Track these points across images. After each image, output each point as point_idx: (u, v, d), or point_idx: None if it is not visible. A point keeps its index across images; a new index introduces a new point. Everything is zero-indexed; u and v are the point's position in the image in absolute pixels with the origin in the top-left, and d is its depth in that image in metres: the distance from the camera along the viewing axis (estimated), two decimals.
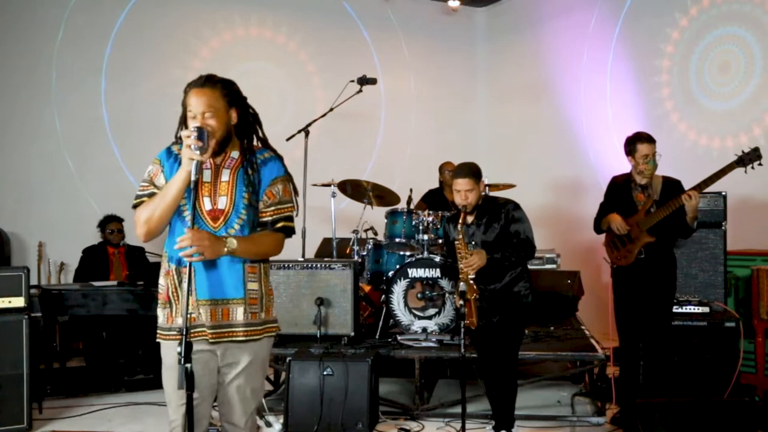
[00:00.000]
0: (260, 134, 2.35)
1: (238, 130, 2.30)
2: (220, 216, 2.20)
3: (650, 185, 3.89)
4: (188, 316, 2.05)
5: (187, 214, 2.14)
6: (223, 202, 2.21)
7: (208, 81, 2.22)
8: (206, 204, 2.21)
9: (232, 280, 2.20)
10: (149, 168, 2.28)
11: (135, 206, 2.24)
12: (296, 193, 2.36)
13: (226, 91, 2.24)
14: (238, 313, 2.21)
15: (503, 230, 3.57)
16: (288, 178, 2.33)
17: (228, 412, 2.33)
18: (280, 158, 2.34)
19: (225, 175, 2.24)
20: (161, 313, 2.27)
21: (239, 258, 2.20)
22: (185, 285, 2.10)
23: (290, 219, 2.31)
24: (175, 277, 2.22)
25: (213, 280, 2.18)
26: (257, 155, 2.29)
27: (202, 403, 2.24)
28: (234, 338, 2.22)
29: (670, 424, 3.35)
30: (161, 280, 2.28)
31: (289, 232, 2.32)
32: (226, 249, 2.11)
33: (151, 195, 2.22)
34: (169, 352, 2.23)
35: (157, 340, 2.28)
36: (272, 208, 2.26)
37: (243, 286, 2.22)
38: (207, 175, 2.23)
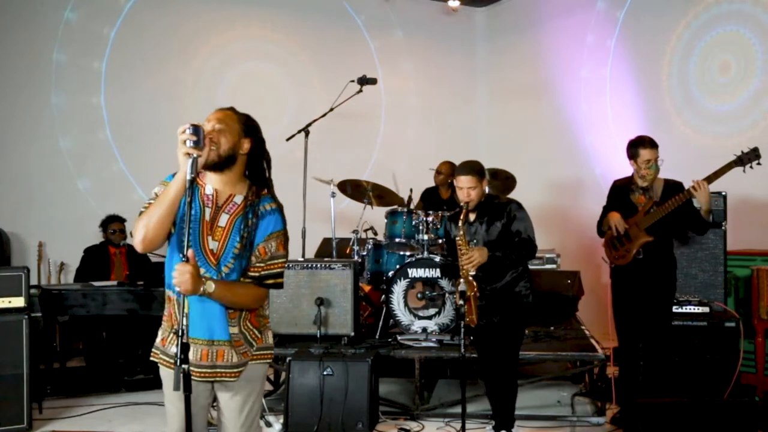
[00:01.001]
0: (267, 177, 2.30)
1: (249, 167, 2.26)
2: (214, 257, 2.18)
3: (651, 188, 3.89)
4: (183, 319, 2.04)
5: (189, 241, 2.11)
6: (215, 246, 2.18)
7: (231, 108, 2.25)
8: (209, 242, 2.18)
9: (217, 324, 2.18)
10: (155, 189, 2.22)
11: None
12: (286, 244, 2.30)
13: (245, 120, 2.23)
14: (233, 356, 2.21)
15: (505, 229, 3.58)
16: (284, 232, 2.28)
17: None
18: (280, 211, 2.28)
19: (222, 220, 2.20)
20: (159, 333, 2.28)
21: (219, 305, 2.17)
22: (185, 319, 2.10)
23: (280, 275, 2.27)
24: (175, 306, 2.20)
25: (205, 319, 2.17)
26: (262, 203, 2.24)
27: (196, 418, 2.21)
28: (224, 379, 2.23)
29: (670, 424, 3.35)
30: (166, 304, 2.28)
31: (278, 287, 2.30)
32: (201, 290, 2.06)
33: None
34: (165, 374, 2.25)
35: (151, 358, 2.29)
36: (262, 264, 2.22)
37: (227, 328, 2.20)
38: (206, 214, 2.19)
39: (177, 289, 2.04)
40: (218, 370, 2.21)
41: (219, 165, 2.17)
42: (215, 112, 2.22)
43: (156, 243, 2.14)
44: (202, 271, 2.12)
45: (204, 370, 2.19)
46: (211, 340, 2.19)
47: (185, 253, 2.03)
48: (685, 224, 3.88)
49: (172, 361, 2.16)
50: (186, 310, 2.07)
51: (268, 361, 2.37)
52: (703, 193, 3.68)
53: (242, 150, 2.21)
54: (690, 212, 3.78)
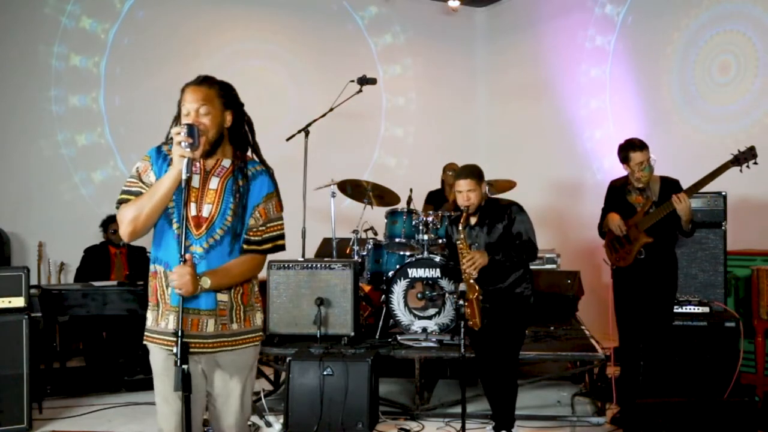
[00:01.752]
0: (252, 142, 2.32)
1: (232, 136, 2.27)
2: (204, 223, 2.16)
3: (648, 187, 3.89)
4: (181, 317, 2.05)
5: (174, 220, 2.14)
6: (207, 210, 2.17)
7: (205, 80, 2.22)
8: (192, 210, 2.16)
9: (204, 292, 2.14)
10: (138, 164, 2.23)
11: (120, 202, 2.19)
12: (281, 205, 2.32)
13: (223, 92, 2.22)
14: (209, 325, 2.18)
15: (506, 231, 3.58)
16: (278, 193, 2.30)
17: (215, 423, 2.34)
18: (270, 172, 2.30)
19: (213, 183, 2.20)
20: (150, 315, 2.25)
21: (208, 267, 2.15)
22: (169, 289, 2.13)
23: (281, 237, 2.29)
24: (163, 279, 2.19)
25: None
26: (249, 167, 2.25)
27: (193, 408, 2.20)
28: (203, 350, 2.18)
29: (670, 424, 3.35)
30: (150, 282, 2.25)
31: (280, 249, 2.30)
32: (200, 287, 2.08)
33: (138, 193, 2.17)
34: (157, 356, 2.23)
35: (144, 341, 2.26)
36: (263, 227, 2.23)
37: (214, 297, 2.18)
38: (195, 181, 2.18)
39: (177, 292, 2.05)
40: (193, 340, 2.14)
41: (211, 150, 2.19)
42: (191, 90, 2.18)
43: (142, 234, 2.17)
44: (189, 245, 2.12)
45: (194, 340, 2.15)
46: (186, 309, 2.13)
47: (182, 254, 2.03)
48: (673, 228, 3.87)
49: (165, 337, 2.16)
50: (163, 298, 2.13)
51: (257, 344, 2.32)
52: (682, 206, 3.69)
53: (226, 124, 2.23)
54: (674, 220, 3.78)
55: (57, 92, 6.34)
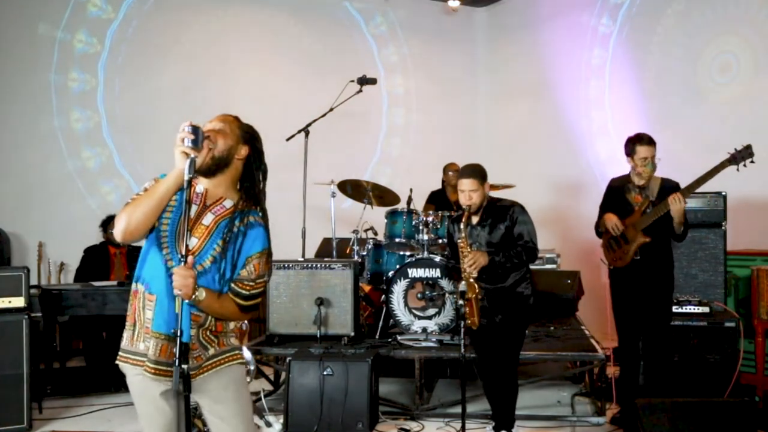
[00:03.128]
0: (260, 189, 2.27)
1: (243, 177, 2.24)
2: (192, 255, 2.12)
3: (648, 186, 3.89)
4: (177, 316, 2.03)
5: (166, 243, 2.11)
6: (193, 243, 2.14)
7: (236, 116, 2.24)
8: (190, 239, 2.11)
9: (183, 322, 2.04)
10: (146, 184, 2.22)
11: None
12: (270, 261, 2.29)
13: (246, 128, 2.23)
14: (190, 360, 2.10)
15: (508, 232, 3.57)
16: (268, 252, 2.24)
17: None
18: (266, 227, 2.25)
19: (207, 219, 2.17)
20: (125, 335, 2.20)
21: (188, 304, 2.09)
22: (147, 312, 2.11)
23: (260, 295, 2.25)
24: (142, 300, 2.16)
25: (170, 315, 2.08)
26: (249, 215, 2.21)
27: None
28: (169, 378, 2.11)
29: (670, 424, 3.35)
30: (130, 301, 2.22)
31: (255, 309, 2.27)
32: (194, 296, 2.04)
33: None
34: (133, 378, 2.18)
35: (117, 362, 2.21)
36: (253, 282, 2.19)
37: (188, 331, 2.08)
38: (192, 210, 2.13)
39: (176, 292, 2.00)
40: (169, 368, 2.08)
41: (212, 169, 2.15)
42: (218, 115, 2.21)
43: (136, 235, 2.12)
44: (172, 265, 2.09)
45: (161, 367, 2.10)
46: (167, 336, 2.09)
47: (183, 252, 2.02)
48: (663, 230, 3.86)
49: (141, 359, 2.12)
50: (138, 320, 2.10)
51: (236, 362, 2.26)
52: (677, 207, 3.68)
53: (239, 155, 2.19)
54: (670, 220, 3.78)
55: (57, 92, 6.34)
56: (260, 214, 2.24)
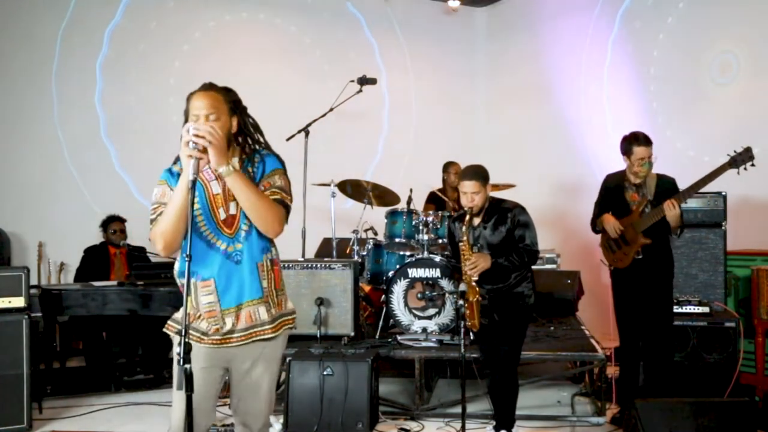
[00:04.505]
0: (262, 140, 2.34)
1: (237, 140, 2.29)
2: (233, 221, 2.22)
3: (644, 184, 3.88)
4: (187, 316, 2.04)
5: (204, 227, 2.21)
6: (233, 207, 2.23)
7: (211, 87, 2.25)
8: (221, 214, 2.23)
9: (248, 283, 2.22)
10: (155, 191, 2.27)
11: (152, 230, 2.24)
12: (289, 182, 2.34)
13: (229, 98, 2.25)
14: (261, 313, 2.26)
15: (509, 234, 3.57)
16: (285, 171, 2.31)
17: (242, 410, 2.35)
18: (278, 156, 2.34)
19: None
20: (182, 311, 2.24)
21: (251, 260, 2.22)
22: (204, 298, 2.21)
23: (287, 206, 2.27)
24: (195, 291, 2.24)
25: (234, 287, 2.22)
26: (256, 155, 2.29)
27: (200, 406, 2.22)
28: (262, 337, 2.26)
29: (670, 424, 3.35)
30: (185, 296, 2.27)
31: (286, 209, 2.28)
32: (229, 164, 2.10)
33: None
34: (197, 351, 2.21)
35: (167, 330, 2.30)
36: (268, 191, 2.23)
37: (259, 285, 2.25)
38: (216, 188, 2.24)
39: (195, 140, 2.03)
40: (255, 329, 2.24)
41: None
42: (198, 96, 2.20)
43: (177, 245, 2.21)
44: (221, 244, 2.20)
45: (240, 334, 2.23)
46: (239, 305, 2.22)
47: (187, 252, 2.03)
48: (661, 230, 3.86)
49: (199, 335, 2.22)
50: (190, 307, 2.13)
51: (287, 327, 2.36)
52: (673, 213, 3.68)
53: (233, 129, 2.26)
54: (665, 223, 3.78)
55: (57, 92, 6.34)
56: (266, 150, 2.33)
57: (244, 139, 2.31)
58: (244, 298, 2.23)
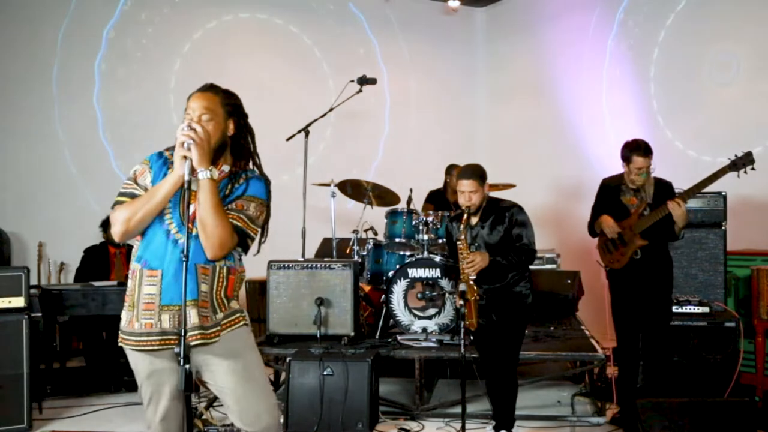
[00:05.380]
0: (252, 152, 2.31)
1: (234, 145, 2.27)
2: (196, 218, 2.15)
3: (643, 188, 3.88)
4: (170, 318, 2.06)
5: (171, 221, 2.15)
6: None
7: (210, 88, 2.24)
8: (192, 208, 2.14)
9: (189, 283, 2.09)
10: (136, 167, 2.24)
11: (115, 203, 2.18)
12: (268, 218, 2.27)
13: (227, 101, 2.24)
14: (192, 316, 2.12)
15: (507, 233, 3.57)
16: (266, 204, 2.25)
17: (233, 416, 2.28)
18: (266, 182, 2.28)
19: None
20: (124, 316, 2.22)
21: (192, 259, 2.11)
22: (146, 288, 2.14)
23: (247, 236, 2.20)
24: (138, 278, 2.19)
25: (175, 285, 2.12)
26: (247, 173, 2.26)
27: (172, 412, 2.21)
28: (195, 342, 2.13)
29: (670, 424, 3.35)
30: (128, 281, 2.24)
31: (243, 244, 2.21)
32: (210, 169, 2.06)
33: (132, 195, 2.17)
34: (136, 360, 2.20)
35: (120, 344, 2.22)
36: (235, 213, 2.17)
37: (197, 287, 2.14)
38: (194, 184, 2.15)
39: (186, 140, 2.02)
40: (170, 337, 2.12)
41: (213, 159, 2.18)
42: (196, 97, 2.19)
43: (134, 235, 2.18)
44: (181, 238, 2.11)
45: (169, 337, 2.13)
46: (177, 305, 2.11)
47: (184, 252, 2.03)
48: (663, 231, 3.86)
49: (139, 338, 2.14)
50: (150, 316, 2.12)
51: (242, 324, 2.26)
52: (679, 212, 3.68)
53: (229, 132, 2.23)
54: (668, 223, 3.77)
55: (57, 92, 6.34)
56: (256, 171, 2.29)
57: (239, 148, 2.28)
58: (171, 301, 2.13)
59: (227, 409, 2.31)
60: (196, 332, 2.13)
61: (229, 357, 2.22)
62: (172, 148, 2.21)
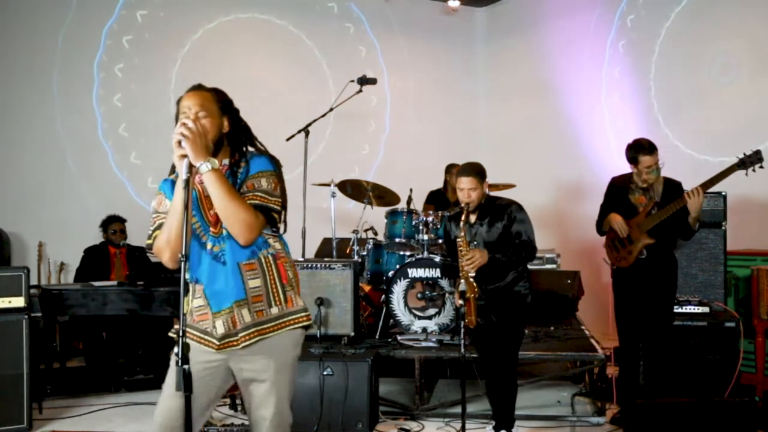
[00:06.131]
0: (257, 143, 2.31)
1: (231, 140, 2.27)
2: (218, 220, 2.16)
3: (652, 187, 3.89)
4: (184, 317, 2.03)
5: (197, 225, 2.18)
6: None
7: (200, 86, 2.24)
8: (211, 214, 2.18)
9: (232, 284, 2.14)
10: (153, 202, 2.27)
11: (150, 240, 2.21)
12: (284, 191, 2.23)
13: (219, 97, 2.24)
14: (245, 317, 2.16)
15: (506, 230, 3.58)
16: (276, 173, 2.21)
17: (252, 420, 2.25)
18: (270, 156, 2.26)
19: None
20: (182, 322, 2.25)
21: (233, 260, 2.14)
22: (195, 301, 2.19)
23: (271, 209, 2.15)
24: (192, 293, 2.23)
25: (221, 289, 2.16)
26: (243, 159, 2.25)
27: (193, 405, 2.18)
28: (231, 348, 2.16)
29: (671, 424, 3.35)
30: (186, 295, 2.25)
31: (271, 220, 2.17)
32: (208, 161, 2.04)
33: (161, 226, 2.19)
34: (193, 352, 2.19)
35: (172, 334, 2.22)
36: (250, 193, 2.13)
37: (243, 286, 2.16)
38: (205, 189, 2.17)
39: (180, 137, 2.00)
40: (246, 333, 2.14)
41: (212, 155, 2.16)
42: (189, 96, 2.19)
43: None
44: (209, 244, 2.16)
45: (235, 337, 2.15)
46: (230, 308, 2.16)
47: (183, 252, 2.02)
48: (673, 228, 3.86)
49: (200, 335, 2.19)
50: (186, 309, 2.10)
51: (299, 326, 2.22)
52: (696, 201, 3.68)
53: (224, 129, 2.23)
54: (681, 217, 3.77)
55: (57, 92, 6.34)
56: (253, 150, 2.29)
57: (237, 141, 2.28)
58: (230, 301, 2.15)
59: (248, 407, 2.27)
60: (252, 330, 2.15)
61: (265, 359, 2.18)
62: (173, 170, 2.24)
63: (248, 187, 2.15)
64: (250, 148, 2.31)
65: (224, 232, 2.15)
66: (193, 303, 2.22)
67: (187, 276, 2.18)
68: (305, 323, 2.25)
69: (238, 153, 2.26)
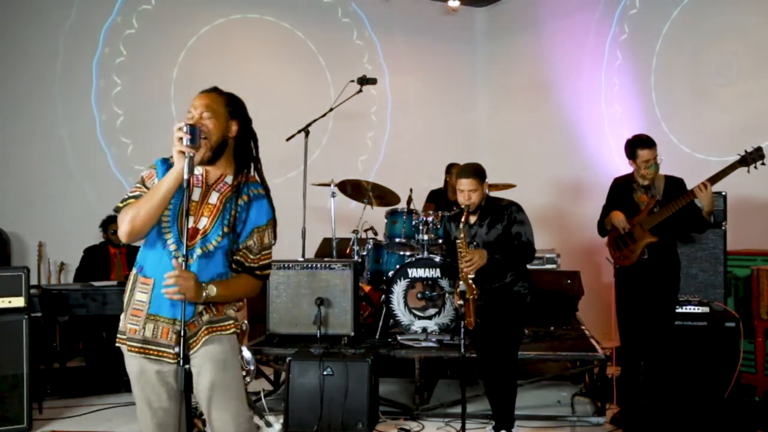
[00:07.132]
0: (255, 158, 2.31)
1: (237, 149, 2.26)
2: (197, 235, 2.15)
3: (653, 185, 3.89)
4: (185, 325, 2.05)
5: (169, 230, 2.15)
6: (203, 223, 2.17)
7: (215, 89, 2.25)
8: (189, 222, 2.14)
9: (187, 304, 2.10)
10: (143, 172, 2.26)
11: (122, 204, 2.18)
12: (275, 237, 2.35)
13: (230, 102, 2.24)
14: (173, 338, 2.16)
15: (505, 231, 3.58)
16: (275, 221, 2.30)
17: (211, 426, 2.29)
18: (269, 196, 2.29)
19: (213, 198, 2.20)
20: (122, 317, 2.24)
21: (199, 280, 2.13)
22: (138, 294, 2.17)
23: (270, 266, 2.32)
24: (132, 282, 2.21)
25: (164, 297, 2.11)
26: (251, 187, 2.25)
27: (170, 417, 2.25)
28: (166, 359, 2.19)
29: (671, 424, 3.35)
30: (127, 284, 2.26)
31: (266, 278, 2.34)
32: (204, 294, 2.08)
33: (139, 197, 2.17)
34: (130, 361, 2.26)
35: (117, 344, 2.26)
36: (258, 255, 2.25)
37: (194, 307, 2.15)
38: (196, 194, 2.19)
39: (175, 297, 2.03)
40: (170, 350, 2.15)
41: (212, 158, 2.18)
42: (199, 96, 2.21)
43: (141, 236, 2.16)
44: (173, 248, 2.13)
45: (163, 349, 2.17)
46: (172, 319, 2.14)
47: (183, 253, 2.02)
48: (686, 224, 3.87)
49: (140, 345, 2.19)
50: (126, 299, 2.15)
51: (228, 333, 2.23)
52: (706, 195, 3.69)
53: (231, 133, 2.22)
54: (692, 212, 3.78)
55: (58, 92, 6.34)
56: (260, 185, 2.29)
57: (241, 152, 2.27)
58: (177, 315, 2.10)
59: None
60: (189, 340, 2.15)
61: (207, 365, 2.20)
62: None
63: (258, 241, 2.24)
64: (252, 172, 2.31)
65: (195, 251, 2.14)
66: (136, 295, 2.18)
67: (136, 261, 2.23)
68: (229, 332, 2.26)
69: (242, 176, 2.25)
